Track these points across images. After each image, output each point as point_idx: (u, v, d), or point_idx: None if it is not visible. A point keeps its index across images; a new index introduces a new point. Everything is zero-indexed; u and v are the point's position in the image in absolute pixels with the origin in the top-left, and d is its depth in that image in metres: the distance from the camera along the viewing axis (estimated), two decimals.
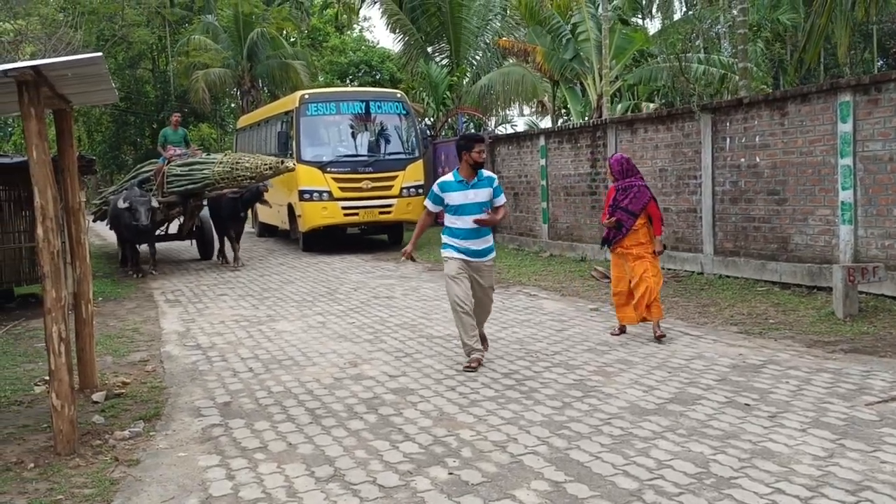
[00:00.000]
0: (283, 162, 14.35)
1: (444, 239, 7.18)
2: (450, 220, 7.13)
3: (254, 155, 15.68)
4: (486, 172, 7.13)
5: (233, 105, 44.96)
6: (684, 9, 32.26)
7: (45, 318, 5.19)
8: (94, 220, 18.75)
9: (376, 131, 18.14)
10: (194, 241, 17.87)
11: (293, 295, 11.80)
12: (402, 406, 6.05)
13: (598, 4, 22.07)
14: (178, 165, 15.30)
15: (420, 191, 17.56)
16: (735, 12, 17.32)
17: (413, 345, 8.19)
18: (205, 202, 16.22)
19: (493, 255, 7.32)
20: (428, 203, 7.28)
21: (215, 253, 16.97)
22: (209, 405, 6.27)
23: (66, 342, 5.25)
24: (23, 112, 5.02)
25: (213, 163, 14.81)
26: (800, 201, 10.15)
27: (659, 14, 34.99)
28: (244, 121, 24.37)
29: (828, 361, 6.91)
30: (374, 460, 4.90)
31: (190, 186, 14.93)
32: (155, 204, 14.05)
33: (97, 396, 6.50)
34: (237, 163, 14.41)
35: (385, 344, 8.27)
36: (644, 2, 32.45)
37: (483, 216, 7.06)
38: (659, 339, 7.86)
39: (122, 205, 13.81)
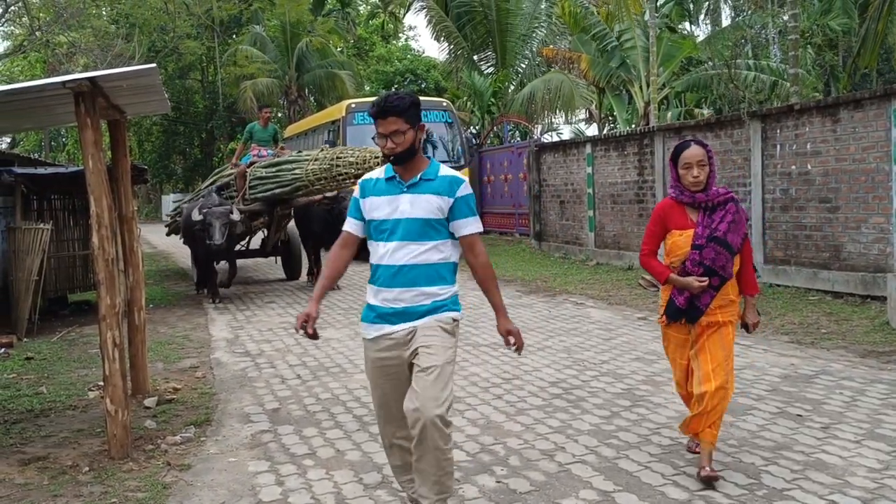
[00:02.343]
0: (369, 150, 11.73)
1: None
2: (372, 256, 3.89)
3: (361, 147, 12.58)
4: (446, 170, 3.90)
5: (279, 114, 45.49)
6: (733, 15, 31.92)
7: (100, 325, 5.29)
8: (168, 234, 17.06)
9: (422, 139, 18.19)
10: (279, 259, 15.54)
11: (340, 303, 11.87)
12: (449, 414, 6.04)
13: (646, 12, 21.95)
14: (264, 167, 12.85)
15: None
16: (786, 17, 17.13)
17: (460, 352, 8.15)
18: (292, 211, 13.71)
19: (445, 315, 3.85)
20: (348, 219, 4.02)
21: (304, 272, 14.85)
22: (258, 411, 6.33)
23: (120, 348, 5.35)
24: (79, 122, 5.14)
25: (305, 160, 12.19)
26: (852, 209, 9.97)
27: (707, 20, 34.71)
28: (291, 130, 24.65)
29: (882, 372, 6.77)
30: None
31: (277, 191, 12.36)
32: (235, 216, 11.68)
33: (149, 402, 6.61)
34: (338, 157, 11.79)
35: None
36: (692, 9, 32.18)
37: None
38: (704, 479, 4.42)
39: (195, 217, 11.56)
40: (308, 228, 13.66)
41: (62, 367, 8.13)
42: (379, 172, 3.97)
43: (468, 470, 4.84)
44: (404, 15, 47.34)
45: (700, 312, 4.50)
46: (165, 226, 17.26)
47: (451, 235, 3.88)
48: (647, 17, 21.72)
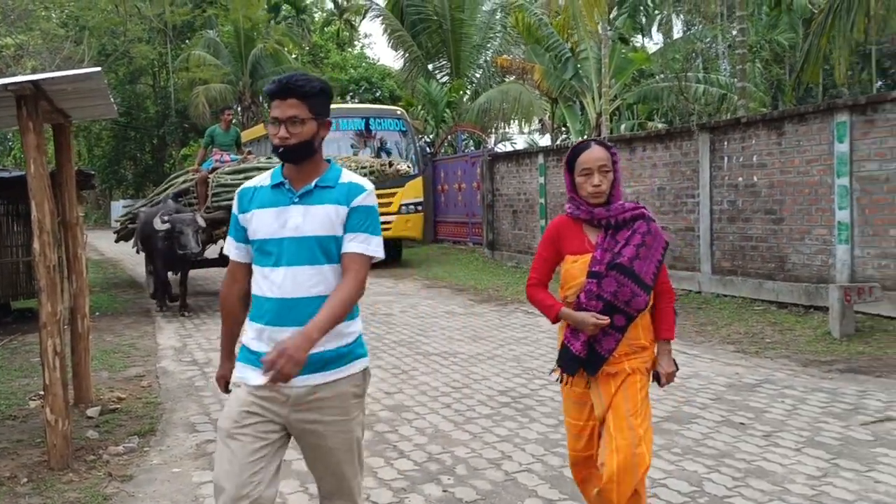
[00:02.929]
0: (391, 164, 11.56)
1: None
2: (255, 282, 3.07)
3: (344, 156, 12.51)
4: (350, 175, 3.09)
5: (233, 121, 45.10)
6: (684, 28, 32.43)
7: (41, 333, 5.19)
8: (116, 241, 16.35)
9: (376, 148, 18.19)
10: None
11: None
12: (398, 423, 6.04)
13: (599, 23, 22.19)
14: (229, 173, 12.15)
15: (419, 208, 17.61)
16: (734, 32, 17.44)
17: (410, 362, 8.18)
18: None
19: (356, 368, 3.06)
20: (229, 243, 3.19)
21: None
22: (204, 421, 6.26)
23: (62, 357, 5.25)
24: (21, 126, 5.04)
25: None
26: (797, 221, 10.17)
27: (660, 33, 35.22)
28: (245, 136, 24.42)
29: (823, 381, 6.91)
30: (368, 477, 4.88)
31: None
32: (202, 223, 11.30)
33: (92, 411, 6.49)
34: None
35: (382, 361, 8.26)
36: (644, 21, 32.62)
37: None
38: None
39: (160, 225, 10.94)
40: None
41: (2, 376, 7.95)
42: (263, 179, 3.12)
43: (415, 479, 4.83)
44: (360, 23, 47.37)
45: (601, 360, 3.48)
46: (114, 232, 16.72)
47: None
48: (600, 29, 21.96)
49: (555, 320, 3.59)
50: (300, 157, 3.00)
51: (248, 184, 3.15)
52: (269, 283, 2.97)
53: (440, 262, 17.91)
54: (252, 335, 3.03)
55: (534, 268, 3.70)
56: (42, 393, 5.44)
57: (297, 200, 2.98)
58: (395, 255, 18.71)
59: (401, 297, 13.05)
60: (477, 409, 6.34)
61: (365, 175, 10.90)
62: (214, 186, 12.15)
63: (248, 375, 2.99)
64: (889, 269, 8.99)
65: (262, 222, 3.00)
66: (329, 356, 2.94)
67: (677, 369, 3.63)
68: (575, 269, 3.54)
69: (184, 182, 13.50)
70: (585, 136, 22.16)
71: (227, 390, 3.27)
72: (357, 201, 2.99)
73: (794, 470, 4.77)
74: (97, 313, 11.60)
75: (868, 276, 9.18)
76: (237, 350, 3.15)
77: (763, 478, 4.66)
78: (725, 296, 11.12)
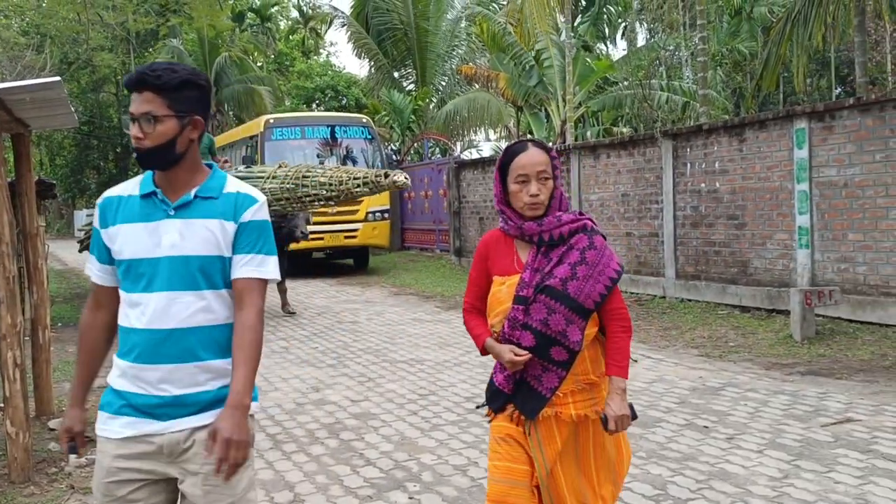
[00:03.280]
0: (386, 175, 10.09)
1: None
2: (121, 311, 2.58)
3: (333, 167, 11.48)
4: (236, 184, 2.61)
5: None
6: (647, 36, 32.78)
7: (1, 344, 5.12)
8: (80, 250, 15.51)
9: (342, 156, 18.17)
10: None
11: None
12: (364, 431, 6.03)
13: (562, 31, 22.36)
14: None
15: (386, 215, 17.62)
16: (696, 40, 17.66)
17: (376, 369, 8.17)
18: None
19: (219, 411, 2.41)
20: (91, 264, 2.65)
21: None
22: None
23: (22, 368, 5.18)
24: None
25: (259, 178, 10.57)
26: (758, 226, 10.31)
27: (624, 41, 35.54)
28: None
29: (785, 384, 7.01)
30: (334, 485, 4.88)
31: None
32: None
33: (54, 423, 6.40)
34: (304, 177, 10.41)
35: (348, 369, 8.24)
36: (608, 30, 32.92)
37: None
38: None
39: None
40: None
41: None
42: (130, 186, 2.60)
43: (381, 487, 4.83)
44: (325, 31, 47.33)
45: (541, 401, 2.89)
46: (78, 241, 16.03)
47: None
48: (563, 36, 22.13)
49: (482, 352, 3.04)
50: (159, 163, 2.49)
51: (111, 192, 2.61)
52: (138, 311, 2.48)
53: (407, 270, 17.90)
54: (116, 374, 2.54)
55: (466, 290, 3.15)
56: (2, 405, 5.37)
57: (172, 214, 2.49)
58: (362, 264, 18.70)
59: (367, 304, 13.03)
60: (443, 416, 6.34)
61: (358, 187, 10.24)
62: None
63: (109, 427, 2.50)
64: (848, 272, 9.14)
65: (131, 239, 2.49)
66: (208, 397, 2.49)
67: (634, 417, 2.89)
68: (501, 293, 2.96)
69: None
70: (551, 143, 22.29)
71: (72, 449, 2.62)
72: (247, 215, 2.53)
73: (756, 472, 4.83)
74: (59, 324, 11.46)
75: (828, 280, 9.33)
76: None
77: (726, 480, 4.72)
78: (690, 300, 11.24)
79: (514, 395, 2.94)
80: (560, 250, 2.92)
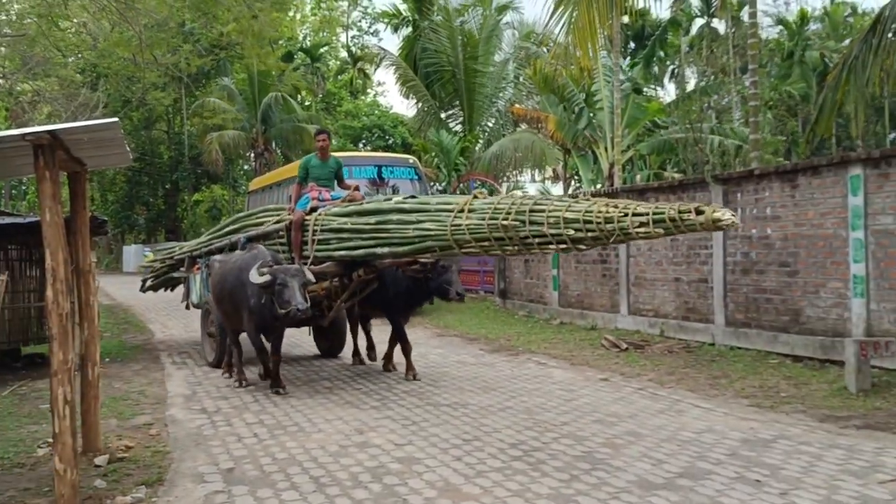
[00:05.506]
0: (699, 211, 6.09)
1: None
2: None
3: (581, 198, 7.43)
4: None
5: (246, 167, 45.52)
6: (697, 80, 32.68)
7: (52, 381, 5.17)
8: (144, 290, 14.74)
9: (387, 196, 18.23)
10: (311, 329, 12.31)
11: (301, 359, 11.74)
12: (408, 475, 5.96)
13: (615, 72, 22.38)
14: (340, 215, 9.48)
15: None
16: (747, 84, 17.54)
17: (420, 412, 8.10)
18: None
19: None
20: None
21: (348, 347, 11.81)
22: (213, 471, 6.19)
23: (72, 405, 5.22)
24: (38, 174, 5.07)
25: (441, 210, 8.12)
26: (811, 273, 10.11)
27: (672, 84, 35.48)
28: (256, 183, 24.58)
29: (840, 437, 6.80)
30: None
31: (380, 250, 8.76)
32: (310, 277, 9.01)
33: (100, 460, 6.43)
34: (532, 212, 6.98)
35: (392, 411, 8.18)
36: (657, 71, 32.88)
37: None
38: None
39: (258, 278, 8.70)
40: (375, 296, 10.22)
41: (11, 423, 7.91)
42: None
43: None
44: (373, 71, 47.89)
45: None
46: (144, 280, 14.78)
47: None
48: (614, 77, 22.13)
49: None
50: None
51: None
52: None
53: (451, 311, 17.83)
54: None
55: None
56: (51, 441, 5.40)
57: None
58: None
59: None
60: (488, 463, 6.25)
61: (641, 226, 6.41)
62: (321, 231, 9.58)
63: None
64: None
65: None
66: None
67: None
68: None
69: (262, 221, 11.04)
70: (598, 186, 22.24)
71: None
72: None
73: None
74: (107, 359, 11.57)
75: (884, 331, 9.10)
76: None
77: None
78: (739, 348, 11.02)
79: None
80: None
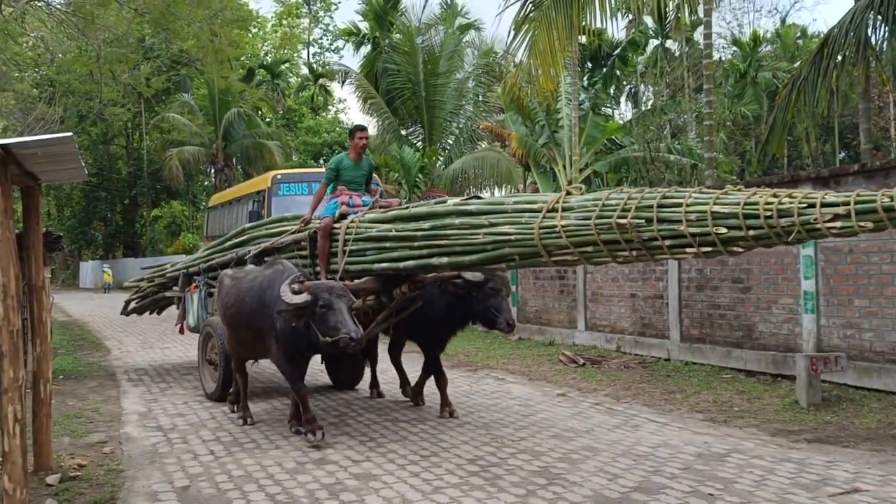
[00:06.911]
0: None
1: None
2: None
3: (737, 188, 5.62)
4: None
5: (206, 183, 45.22)
6: (653, 99, 33.14)
7: (2, 399, 5.09)
8: (128, 312, 13.51)
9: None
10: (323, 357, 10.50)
11: (259, 376, 11.67)
12: (365, 492, 5.95)
13: (572, 92, 22.64)
14: (372, 222, 8.04)
15: None
16: (703, 103, 17.84)
17: (378, 429, 8.09)
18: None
19: None
20: None
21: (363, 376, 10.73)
22: (167, 489, 6.13)
23: (22, 423, 5.15)
24: None
25: (528, 210, 6.41)
26: (763, 290, 10.29)
27: (629, 104, 35.93)
28: (216, 199, 24.43)
29: (791, 451, 6.93)
30: None
31: (438, 261, 7.13)
32: (352, 297, 7.35)
33: (52, 479, 6.35)
34: (662, 206, 5.46)
35: (349, 428, 8.17)
36: (613, 92, 33.30)
37: None
38: None
39: (293, 298, 7.05)
40: (407, 318, 8.72)
41: None
42: None
43: None
44: (341, 86, 47.89)
45: None
46: (127, 301, 13.55)
47: None
48: (572, 97, 22.38)
49: None
50: None
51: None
52: None
53: None
54: None
55: None
56: (0, 460, 5.32)
57: None
58: None
59: None
60: (445, 478, 6.26)
61: (833, 219, 4.75)
62: (354, 241, 8.12)
63: None
64: (854, 338, 9.09)
65: None
66: None
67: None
68: None
69: (275, 232, 9.60)
70: None
71: None
72: None
73: None
74: (61, 376, 11.41)
75: (834, 346, 9.27)
76: None
77: None
78: (694, 363, 11.16)
79: None
80: None
